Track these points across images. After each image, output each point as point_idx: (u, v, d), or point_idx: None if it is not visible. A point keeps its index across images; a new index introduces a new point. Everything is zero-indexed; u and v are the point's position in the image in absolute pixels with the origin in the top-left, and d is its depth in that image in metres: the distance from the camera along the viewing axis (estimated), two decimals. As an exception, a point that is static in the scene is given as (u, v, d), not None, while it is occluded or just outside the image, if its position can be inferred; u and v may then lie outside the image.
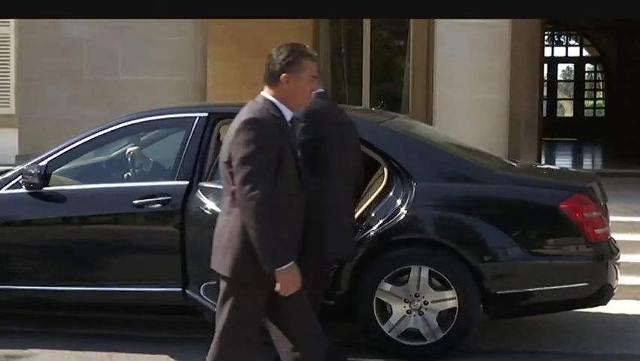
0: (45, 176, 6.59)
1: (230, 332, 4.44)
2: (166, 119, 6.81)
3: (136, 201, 6.30)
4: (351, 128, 5.99)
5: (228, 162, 4.35)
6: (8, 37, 13.08)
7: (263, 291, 4.39)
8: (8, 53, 13.13)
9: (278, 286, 4.29)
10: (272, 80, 4.48)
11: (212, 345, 4.54)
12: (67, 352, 6.50)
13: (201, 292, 6.17)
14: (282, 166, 4.34)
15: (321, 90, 5.75)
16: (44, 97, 10.82)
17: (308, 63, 4.49)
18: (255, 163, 4.26)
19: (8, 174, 6.87)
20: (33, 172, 6.54)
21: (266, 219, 4.24)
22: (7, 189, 6.73)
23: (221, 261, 4.43)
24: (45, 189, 6.60)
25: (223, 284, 4.46)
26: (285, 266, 4.28)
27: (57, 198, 6.63)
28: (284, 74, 4.44)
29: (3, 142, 11.58)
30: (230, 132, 4.41)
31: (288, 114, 4.48)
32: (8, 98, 13.13)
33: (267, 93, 4.47)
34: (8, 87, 13.14)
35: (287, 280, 4.30)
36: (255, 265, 4.29)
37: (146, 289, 6.37)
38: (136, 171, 6.87)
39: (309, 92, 4.59)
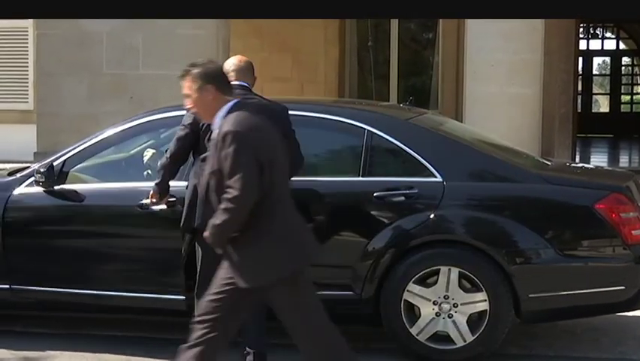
0: (62, 174, 6.55)
1: None
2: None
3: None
4: None
5: None
6: (26, 31, 13.04)
7: None
8: (27, 47, 13.11)
9: None
10: None
11: None
12: (85, 354, 6.47)
13: None
14: None
15: None
16: (63, 92, 10.83)
17: None
18: None
19: (25, 172, 6.82)
20: (49, 170, 6.48)
21: None
22: (25, 187, 6.67)
23: None
24: (62, 187, 6.55)
25: None
26: None
27: (74, 196, 6.56)
28: None
29: (21, 138, 11.56)
30: None
31: None
32: (27, 94, 13.12)
33: None
34: (26, 83, 13.12)
35: None
36: None
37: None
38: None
39: None
